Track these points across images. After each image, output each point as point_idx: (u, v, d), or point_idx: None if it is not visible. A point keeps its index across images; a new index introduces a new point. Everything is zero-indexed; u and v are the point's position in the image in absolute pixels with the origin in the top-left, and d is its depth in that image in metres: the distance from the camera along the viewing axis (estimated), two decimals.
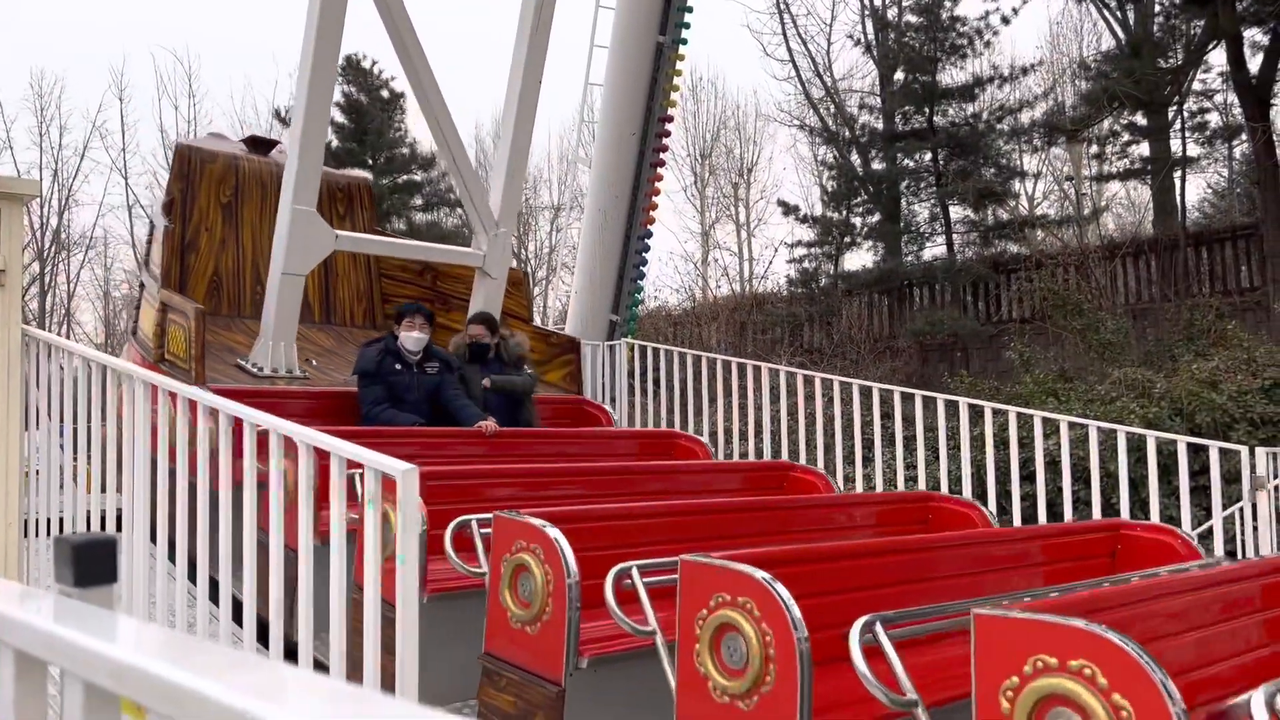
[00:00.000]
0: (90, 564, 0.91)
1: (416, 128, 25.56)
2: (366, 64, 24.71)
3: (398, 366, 6.46)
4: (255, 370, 7.03)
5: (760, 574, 2.81)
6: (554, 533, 3.46)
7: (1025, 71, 19.14)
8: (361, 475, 2.97)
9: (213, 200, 8.44)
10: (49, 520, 4.87)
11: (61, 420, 4.76)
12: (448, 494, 4.35)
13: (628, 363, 10.22)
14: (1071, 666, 2.30)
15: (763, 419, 8.16)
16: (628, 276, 11.73)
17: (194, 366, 6.29)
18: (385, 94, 24.64)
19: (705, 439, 7.50)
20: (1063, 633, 2.32)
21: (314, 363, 7.65)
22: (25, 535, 4.93)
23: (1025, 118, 19.01)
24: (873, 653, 2.69)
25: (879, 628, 2.72)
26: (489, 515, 3.84)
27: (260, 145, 9.25)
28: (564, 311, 13.25)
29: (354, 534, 3.27)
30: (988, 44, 18.49)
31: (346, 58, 24.21)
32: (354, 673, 3.03)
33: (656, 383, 9.57)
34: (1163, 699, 2.17)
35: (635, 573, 3.26)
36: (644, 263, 11.97)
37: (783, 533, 4.50)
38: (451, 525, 3.94)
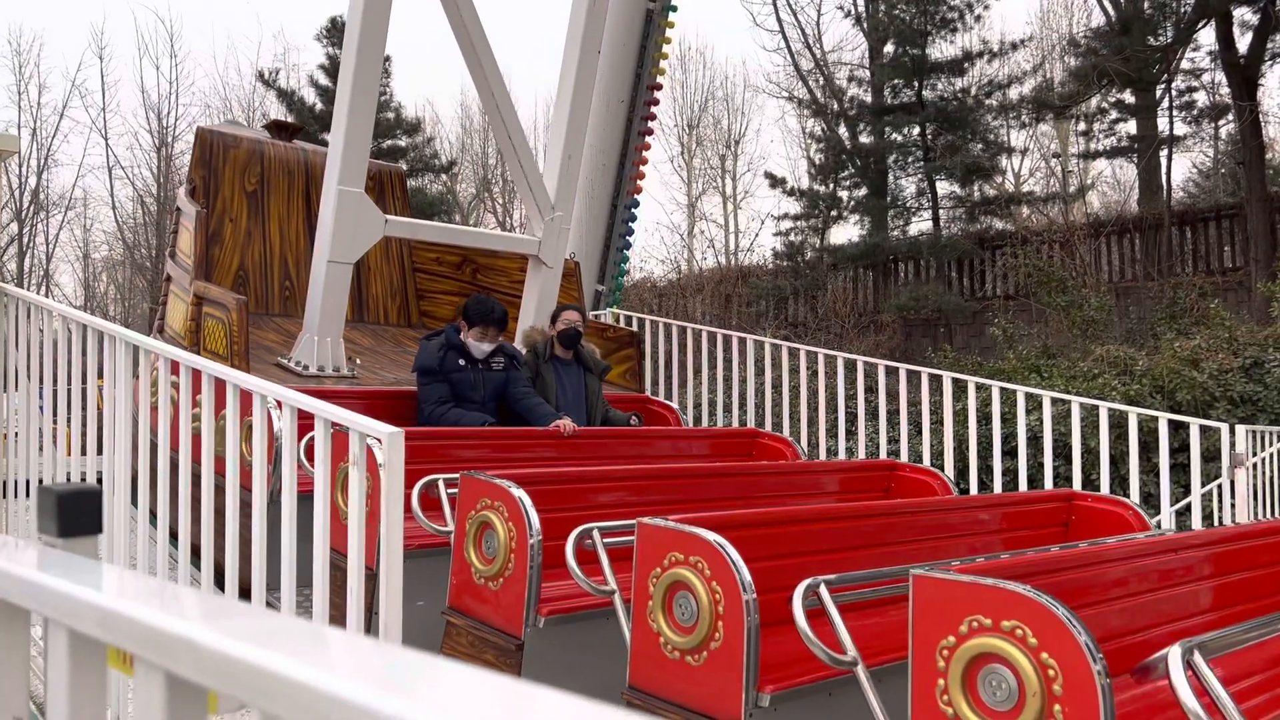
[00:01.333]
0: (74, 514, 0.89)
1: (402, 91, 25.29)
2: None
3: (461, 362, 5.91)
4: (300, 369, 6.48)
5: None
6: (717, 539, 2.97)
7: (1015, 47, 19.11)
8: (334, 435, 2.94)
9: (237, 189, 7.95)
10: (28, 482, 4.83)
11: (41, 381, 4.71)
12: (547, 499, 3.82)
13: None
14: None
15: (747, 391, 8.17)
16: (614, 246, 11.68)
17: (236, 364, 5.63)
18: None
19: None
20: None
21: (359, 361, 7.12)
22: (4, 496, 4.90)
23: (1014, 93, 19.00)
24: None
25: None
26: (613, 524, 3.43)
27: (283, 130, 8.77)
28: None
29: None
30: (978, 18, 18.43)
31: (332, 19, 23.89)
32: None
33: (642, 354, 9.57)
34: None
35: (824, 590, 2.83)
36: (630, 232, 11.92)
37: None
38: (574, 535, 3.37)
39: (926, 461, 7.25)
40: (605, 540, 3.36)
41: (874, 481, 5.34)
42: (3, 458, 4.90)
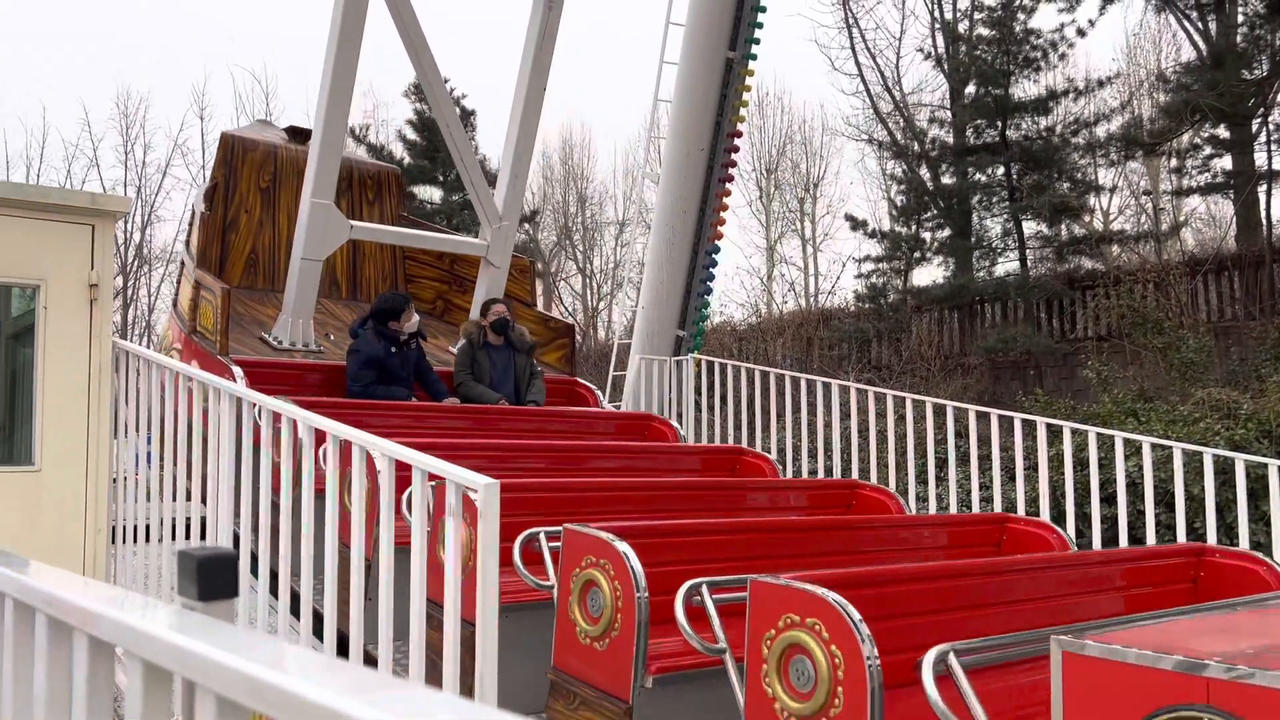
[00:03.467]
0: (213, 578, 0.92)
1: (486, 145, 25.91)
2: None
3: (392, 350, 7.17)
4: (275, 343, 7.81)
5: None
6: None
7: (1101, 84, 18.76)
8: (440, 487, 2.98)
9: (252, 185, 9.27)
10: (135, 527, 5.01)
11: (150, 430, 4.89)
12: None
13: (695, 379, 10.20)
14: (808, 623, 2.85)
15: (832, 436, 8.07)
16: (695, 292, 11.70)
17: (219, 339, 7.11)
18: (456, 111, 25.00)
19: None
20: (806, 597, 2.86)
21: (332, 337, 8.35)
22: (113, 542, 5.08)
23: (1101, 131, 18.62)
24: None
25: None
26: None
27: (299, 135, 9.81)
28: (629, 327, 13.29)
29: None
30: (1062, 56, 18.17)
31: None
32: (433, 682, 3.05)
33: (724, 399, 9.54)
34: (861, 651, 2.69)
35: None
36: (711, 278, 11.94)
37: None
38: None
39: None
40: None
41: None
42: (113, 503, 5.09)
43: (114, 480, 5.17)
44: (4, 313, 5.72)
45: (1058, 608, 3.77)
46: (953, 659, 2.72)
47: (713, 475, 6.61)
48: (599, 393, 8.79)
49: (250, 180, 9.30)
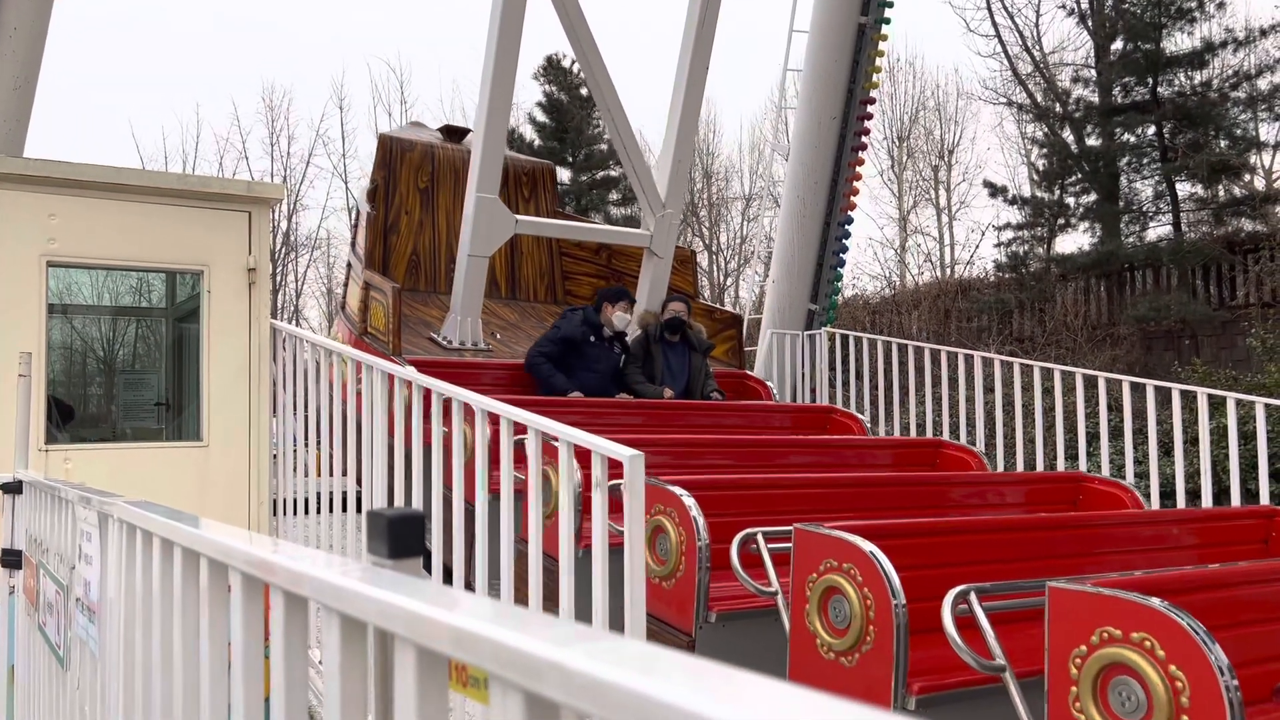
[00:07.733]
0: (402, 536, 0.95)
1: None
2: (566, 63, 25.37)
3: (592, 339, 7.10)
4: (445, 343, 7.66)
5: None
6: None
7: (1264, 33, 17.48)
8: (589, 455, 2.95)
9: (411, 186, 9.23)
10: (293, 500, 5.26)
11: (306, 409, 5.12)
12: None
13: (829, 353, 10.05)
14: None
15: (975, 411, 7.82)
16: (827, 264, 11.51)
17: (392, 339, 7.01)
18: (585, 92, 25.20)
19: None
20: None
21: (498, 336, 8.25)
22: (274, 514, 5.35)
23: (1264, 84, 17.38)
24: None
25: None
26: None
27: (454, 134, 9.89)
28: (758, 302, 13.16)
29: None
30: (1220, 6, 17.02)
31: (547, 58, 24.89)
32: None
33: (858, 374, 9.36)
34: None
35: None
36: (844, 249, 11.72)
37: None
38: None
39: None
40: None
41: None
42: (273, 478, 5.36)
43: (274, 456, 5.44)
44: (170, 299, 6.07)
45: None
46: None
47: (912, 470, 6.18)
48: (772, 386, 8.56)
49: (409, 182, 9.23)
